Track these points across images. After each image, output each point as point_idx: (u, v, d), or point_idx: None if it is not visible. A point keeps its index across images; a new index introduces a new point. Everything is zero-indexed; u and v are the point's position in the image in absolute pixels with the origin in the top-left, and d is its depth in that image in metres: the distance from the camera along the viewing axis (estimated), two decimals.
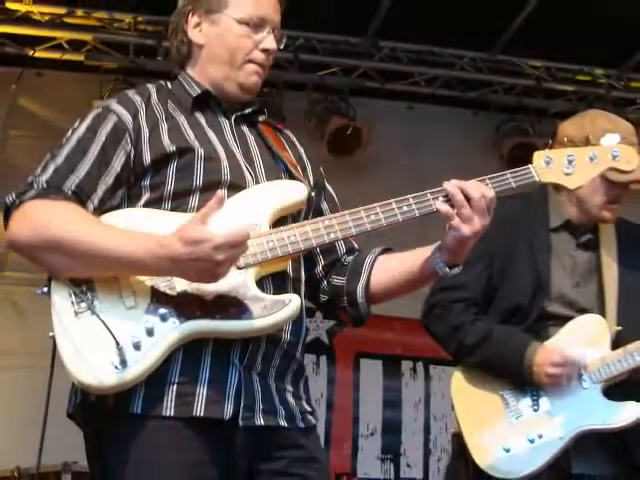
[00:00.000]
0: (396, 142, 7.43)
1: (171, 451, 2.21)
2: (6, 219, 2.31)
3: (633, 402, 3.18)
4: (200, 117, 2.52)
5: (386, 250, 2.59)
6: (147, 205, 2.37)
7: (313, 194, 2.54)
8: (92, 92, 6.50)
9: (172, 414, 2.22)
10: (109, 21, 6.73)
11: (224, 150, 2.45)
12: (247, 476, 2.32)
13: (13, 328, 6.43)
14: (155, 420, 2.21)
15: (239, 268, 2.25)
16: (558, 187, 2.61)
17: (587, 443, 3.19)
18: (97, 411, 2.26)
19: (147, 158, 2.38)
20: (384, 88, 7.30)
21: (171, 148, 2.39)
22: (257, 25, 2.52)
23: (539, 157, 2.42)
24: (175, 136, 2.42)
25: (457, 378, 3.39)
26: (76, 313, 2.22)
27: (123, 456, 2.21)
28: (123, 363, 2.16)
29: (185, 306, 2.23)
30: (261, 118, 2.65)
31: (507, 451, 3.19)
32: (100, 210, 2.34)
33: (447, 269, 2.38)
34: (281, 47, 2.60)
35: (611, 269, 3.36)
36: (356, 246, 2.65)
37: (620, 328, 3.28)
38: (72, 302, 2.23)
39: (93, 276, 2.25)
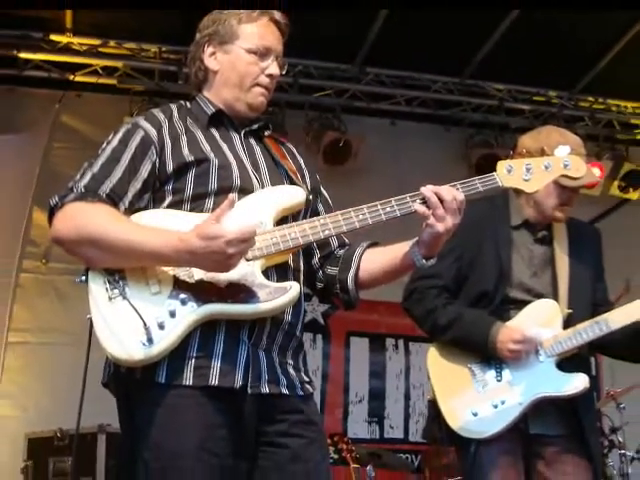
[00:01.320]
0: (381, 153, 7.39)
1: (189, 414, 2.21)
2: (50, 218, 2.31)
3: (582, 373, 3.19)
4: (214, 132, 2.51)
5: (372, 244, 2.58)
6: (170, 207, 2.37)
7: (311, 197, 2.53)
8: (123, 110, 6.48)
9: (191, 383, 2.22)
10: (138, 51, 6.71)
11: (235, 160, 2.44)
12: (254, 436, 2.32)
13: (56, 311, 6.41)
14: (176, 389, 2.21)
15: (248, 260, 2.24)
16: (518, 191, 2.60)
17: (543, 408, 3.19)
18: (127, 381, 2.27)
19: (170, 167, 2.38)
20: (370, 107, 7.28)
21: (190, 158, 2.38)
22: (263, 54, 2.52)
23: (502, 166, 2.41)
24: (193, 148, 2.41)
25: (432, 353, 3.39)
26: (110, 298, 2.22)
27: (149, 418, 2.21)
28: (150, 340, 2.16)
29: (202, 292, 2.23)
30: (267, 133, 2.64)
31: (475, 415, 3.19)
32: (130, 211, 2.34)
33: (424, 261, 2.38)
34: (283, 72, 2.59)
35: (563, 261, 3.36)
36: (347, 241, 2.65)
37: (570, 311, 3.28)
38: (106, 289, 2.23)
39: (124, 267, 2.25)
